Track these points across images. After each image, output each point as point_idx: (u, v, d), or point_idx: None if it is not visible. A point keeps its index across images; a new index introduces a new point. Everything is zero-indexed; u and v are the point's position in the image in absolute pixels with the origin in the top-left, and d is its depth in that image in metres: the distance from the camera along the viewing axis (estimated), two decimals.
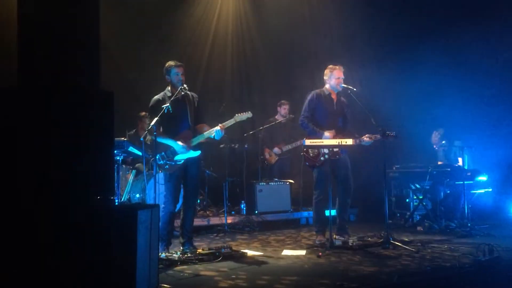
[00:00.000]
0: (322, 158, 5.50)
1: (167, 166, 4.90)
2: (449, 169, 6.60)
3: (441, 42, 8.08)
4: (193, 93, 5.19)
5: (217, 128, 4.97)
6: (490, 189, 6.93)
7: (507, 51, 7.62)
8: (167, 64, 5.09)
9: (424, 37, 8.21)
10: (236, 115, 5.14)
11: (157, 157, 4.83)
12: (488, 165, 7.19)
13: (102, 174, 3.33)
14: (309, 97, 5.77)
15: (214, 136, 4.98)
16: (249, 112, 5.19)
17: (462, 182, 6.37)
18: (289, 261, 4.66)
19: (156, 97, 5.06)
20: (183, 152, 4.92)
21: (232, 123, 5.11)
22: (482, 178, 6.78)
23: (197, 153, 4.99)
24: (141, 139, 4.57)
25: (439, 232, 6.29)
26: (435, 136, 7.38)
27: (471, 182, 6.60)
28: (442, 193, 6.85)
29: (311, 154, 5.59)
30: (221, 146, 7.69)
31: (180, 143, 4.91)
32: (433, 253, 4.87)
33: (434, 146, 7.31)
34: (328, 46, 8.70)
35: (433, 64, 8.06)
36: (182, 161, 4.92)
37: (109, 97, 3.41)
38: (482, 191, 6.86)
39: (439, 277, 3.94)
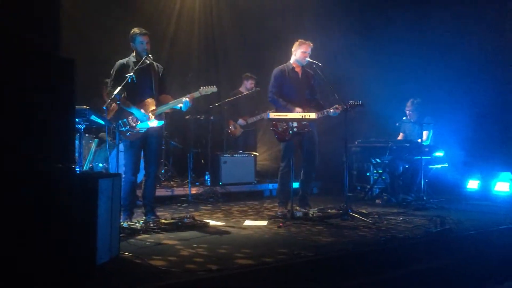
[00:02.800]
0: (291, 132, 5.56)
1: (128, 134, 4.88)
2: (408, 145, 6.79)
3: (410, 21, 8.19)
4: (158, 64, 5.15)
5: (186, 99, 4.94)
6: (447, 165, 7.18)
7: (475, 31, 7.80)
8: (132, 31, 5.03)
9: (393, 15, 8.31)
10: (201, 88, 5.12)
11: (119, 123, 4.80)
12: (447, 141, 7.44)
13: (63, 142, 3.29)
14: (274, 73, 5.82)
15: (181, 107, 4.97)
16: (214, 86, 5.18)
17: (420, 158, 6.59)
18: (250, 231, 4.76)
19: (120, 61, 5.01)
20: (144, 120, 4.90)
21: (197, 95, 5.10)
22: (439, 154, 7.01)
23: (160, 123, 4.97)
24: (104, 107, 4.51)
25: (396, 205, 6.53)
26: (408, 107, 7.38)
27: (429, 157, 6.83)
28: (401, 168, 7.07)
29: (280, 129, 5.66)
30: (187, 117, 7.68)
31: (142, 110, 4.89)
32: (389, 225, 5.07)
33: (407, 111, 7.31)
34: (296, 22, 8.71)
35: (401, 43, 8.20)
36: (144, 129, 4.91)
37: (70, 64, 3.34)
38: (439, 166, 7.11)
39: (392, 247, 4.12)
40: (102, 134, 6.70)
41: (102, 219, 3.34)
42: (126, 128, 4.86)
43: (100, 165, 6.41)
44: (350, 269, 3.69)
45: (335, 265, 3.68)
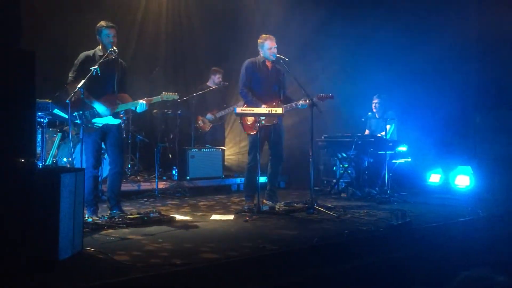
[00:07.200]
0: (258, 124, 5.56)
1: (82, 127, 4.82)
2: (372, 139, 6.92)
3: (378, 19, 8.31)
4: (122, 61, 5.13)
5: (142, 101, 4.95)
6: (410, 159, 7.36)
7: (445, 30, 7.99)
8: (98, 24, 5.00)
9: (359, 13, 8.41)
10: (163, 93, 5.16)
11: (75, 114, 4.73)
12: (410, 137, 7.62)
13: (23, 136, 3.22)
14: (244, 65, 5.82)
15: (136, 108, 4.96)
16: (176, 94, 5.25)
17: (384, 152, 6.74)
18: (217, 225, 4.79)
19: (86, 52, 4.97)
20: (105, 115, 4.86)
21: (158, 100, 5.15)
22: (402, 148, 7.19)
23: (117, 121, 4.96)
24: (67, 101, 4.43)
25: (361, 199, 6.66)
26: (375, 102, 7.56)
27: (393, 152, 6.98)
28: (366, 162, 7.21)
29: (248, 122, 5.69)
30: (154, 111, 7.62)
31: (104, 105, 4.85)
32: (353, 218, 5.17)
33: (373, 106, 7.50)
34: (264, 17, 8.74)
35: (368, 39, 8.31)
36: (101, 125, 4.88)
37: (31, 57, 3.27)
38: (402, 160, 7.28)
39: (355, 239, 4.22)
40: (66, 128, 6.56)
41: (65, 214, 3.30)
42: (82, 121, 4.79)
43: (64, 159, 6.30)
44: (313, 262, 3.76)
45: (299, 258, 3.74)
